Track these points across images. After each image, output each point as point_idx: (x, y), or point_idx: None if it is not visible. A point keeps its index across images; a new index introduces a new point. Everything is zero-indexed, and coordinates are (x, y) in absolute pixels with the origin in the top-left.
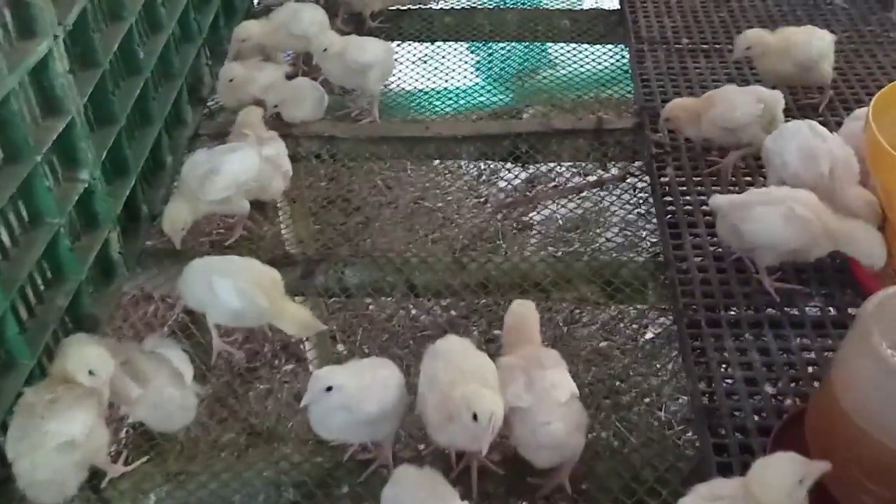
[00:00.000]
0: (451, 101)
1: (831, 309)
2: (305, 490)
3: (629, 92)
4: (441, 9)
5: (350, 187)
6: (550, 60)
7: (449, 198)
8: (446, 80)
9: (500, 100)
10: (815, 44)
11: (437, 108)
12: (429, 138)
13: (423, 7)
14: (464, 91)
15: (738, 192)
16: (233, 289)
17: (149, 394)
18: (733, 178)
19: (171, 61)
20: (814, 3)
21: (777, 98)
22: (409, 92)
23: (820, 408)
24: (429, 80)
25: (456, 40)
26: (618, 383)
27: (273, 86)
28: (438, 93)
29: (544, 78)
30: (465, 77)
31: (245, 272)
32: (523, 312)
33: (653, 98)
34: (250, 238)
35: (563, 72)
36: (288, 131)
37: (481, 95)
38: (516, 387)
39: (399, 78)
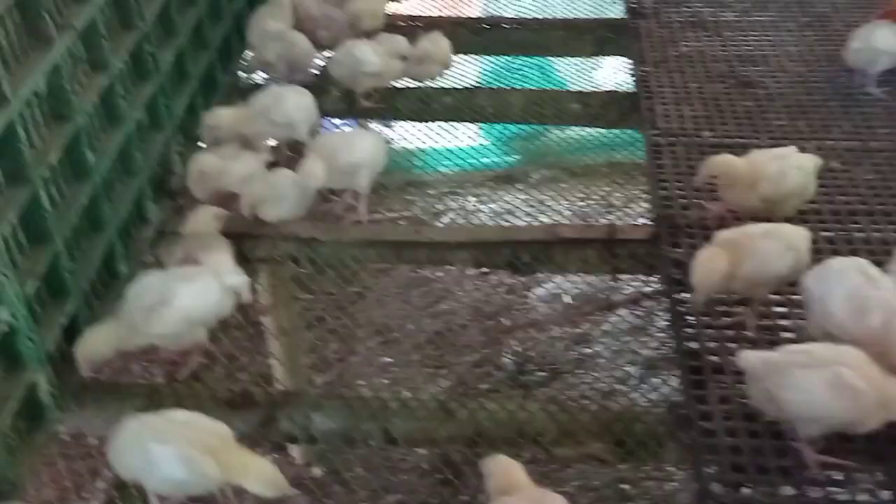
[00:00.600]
0: (454, 162)
1: (886, 492)
2: None
3: (641, 155)
4: (441, 88)
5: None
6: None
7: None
8: (449, 140)
9: (506, 161)
10: (788, 174)
11: (439, 169)
12: (420, 243)
13: (421, 86)
14: (468, 151)
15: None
16: (175, 456)
17: None
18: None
19: (132, 155)
20: (849, 92)
21: None
22: (409, 151)
23: None
24: (431, 138)
25: (455, 121)
26: None
27: (250, 179)
28: (440, 153)
29: (552, 139)
30: (469, 137)
31: (189, 433)
32: (503, 465)
33: (671, 204)
34: (209, 366)
35: (571, 133)
36: (262, 231)
37: (486, 156)
38: None
39: (400, 135)
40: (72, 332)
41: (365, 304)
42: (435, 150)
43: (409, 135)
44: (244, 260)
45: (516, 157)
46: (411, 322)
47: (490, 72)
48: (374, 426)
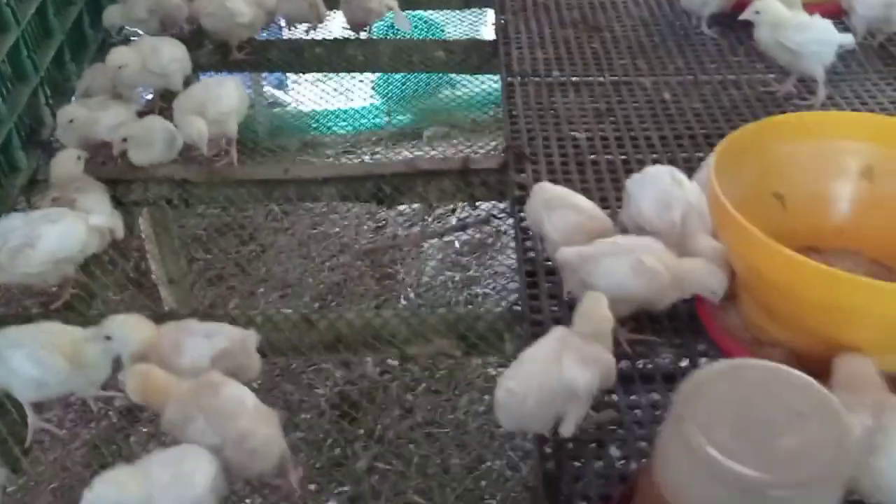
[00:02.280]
0: (348, 123)
1: (686, 360)
2: None
3: None
4: (312, 39)
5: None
6: (450, 80)
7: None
8: (345, 101)
9: (399, 120)
10: None
11: (335, 130)
12: (288, 181)
13: (292, 38)
14: (362, 112)
15: None
16: (26, 357)
17: None
18: None
19: None
20: (684, 33)
21: None
22: (305, 112)
23: (644, 488)
24: (326, 100)
25: (327, 71)
26: None
27: (121, 125)
28: (335, 114)
29: (443, 98)
30: (363, 97)
31: (41, 336)
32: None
33: (519, 135)
34: (82, 296)
35: (462, 92)
36: (135, 175)
37: (378, 117)
38: None
39: (295, 98)
40: None
41: (265, 260)
42: (330, 111)
43: (305, 98)
44: (118, 203)
45: (409, 115)
46: (310, 276)
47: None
48: None
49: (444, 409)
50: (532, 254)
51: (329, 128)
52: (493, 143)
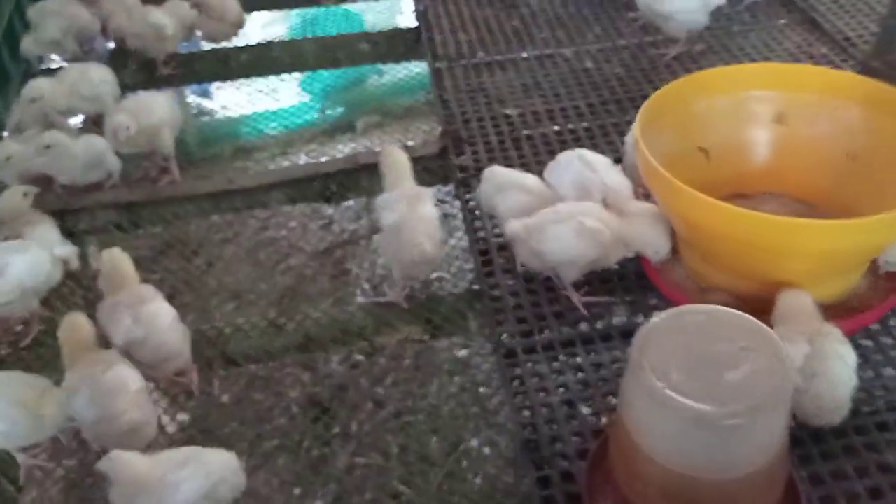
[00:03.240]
0: (279, 123)
1: (640, 316)
2: None
3: None
4: (236, 47)
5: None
6: (375, 68)
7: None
8: (273, 101)
9: (331, 115)
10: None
11: (266, 132)
12: (234, 191)
13: (217, 47)
14: (291, 111)
15: None
16: None
17: None
18: None
19: None
20: (599, 1)
21: None
22: (233, 118)
23: (616, 437)
24: (253, 103)
25: (255, 76)
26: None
27: (56, 154)
28: (265, 116)
29: (372, 86)
30: (291, 95)
31: (3, 389)
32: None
33: (454, 119)
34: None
35: (389, 78)
36: (81, 204)
37: (309, 113)
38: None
39: (223, 105)
40: None
41: (214, 273)
42: (258, 113)
43: (231, 103)
44: (69, 234)
45: (339, 109)
46: (262, 282)
47: (298, 26)
48: (214, 352)
49: (415, 396)
50: (482, 233)
51: (260, 130)
52: (427, 128)
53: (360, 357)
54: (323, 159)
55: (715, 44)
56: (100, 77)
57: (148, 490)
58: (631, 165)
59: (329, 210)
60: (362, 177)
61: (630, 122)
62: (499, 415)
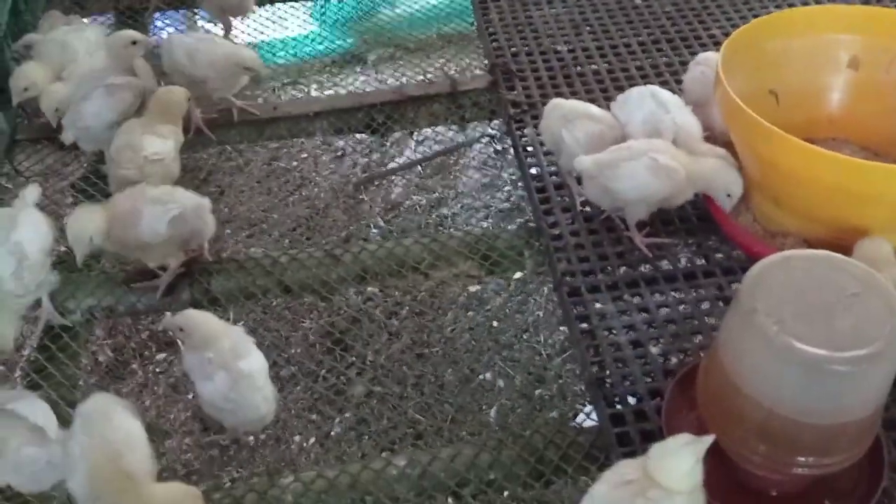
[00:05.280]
0: (288, 52)
1: (701, 259)
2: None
3: (471, 24)
4: None
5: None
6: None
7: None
8: (282, 30)
9: (341, 45)
10: None
11: (275, 61)
12: (278, 118)
13: None
14: (301, 40)
15: None
16: None
17: (7, 457)
18: None
19: None
20: None
21: None
22: (241, 45)
23: (709, 373)
24: (261, 31)
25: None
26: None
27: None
28: (273, 45)
29: (383, 18)
30: (300, 24)
31: None
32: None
33: (503, 52)
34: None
35: (401, 10)
36: None
37: (320, 43)
38: None
39: (233, 34)
40: None
41: (226, 201)
42: (267, 42)
43: (239, 31)
44: None
45: (350, 39)
46: (275, 211)
47: None
48: (270, 281)
49: (430, 329)
50: (536, 170)
51: (268, 59)
52: (441, 62)
53: (373, 289)
54: (368, 90)
55: None
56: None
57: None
58: (694, 106)
59: (340, 143)
60: (409, 109)
61: (682, 63)
62: (512, 349)
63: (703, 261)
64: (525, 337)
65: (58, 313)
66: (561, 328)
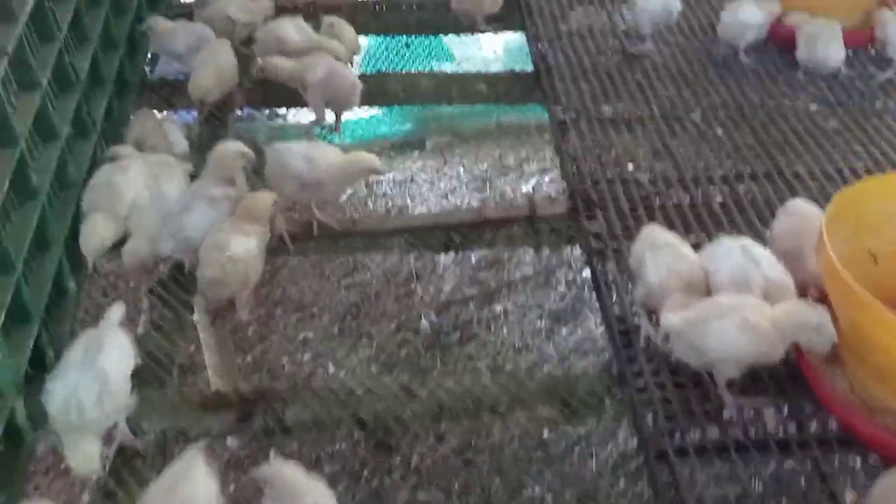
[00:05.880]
0: (349, 133)
1: (793, 425)
2: None
3: (527, 113)
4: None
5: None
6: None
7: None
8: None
9: (399, 130)
10: None
11: (337, 141)
12: (356, 232)
13: None
14: (362, 123)
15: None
16: None
17: None
18: None
19: (67, 169)
20: (723, 61)
21: None
22: (303, 123)
23: None
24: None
25: (370, 105)
26: None
27: None
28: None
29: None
30: (361, 108)
31: None
32: None
33: (583, 178)
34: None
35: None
36: None
37: (379, 126)
38: None
39: (293, 113)
40: (35, 358)
41: (279, 281)
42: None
43: (302, 110)
44: None
45: (409, 124)
46: (327, 296)
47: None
48: (344, 413)
49: (477, 433)
50: (617, 308)
51: (329, 140)
52: (497, 152)
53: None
54: (447, 208)
55: (850, 121)
56: None
57: None
58: (780, 254)
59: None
60: (486, 230)
61: (768, 201)
62: (564, 462)
63: (796, 429)
64: (577, 450)
65: (132, 433)
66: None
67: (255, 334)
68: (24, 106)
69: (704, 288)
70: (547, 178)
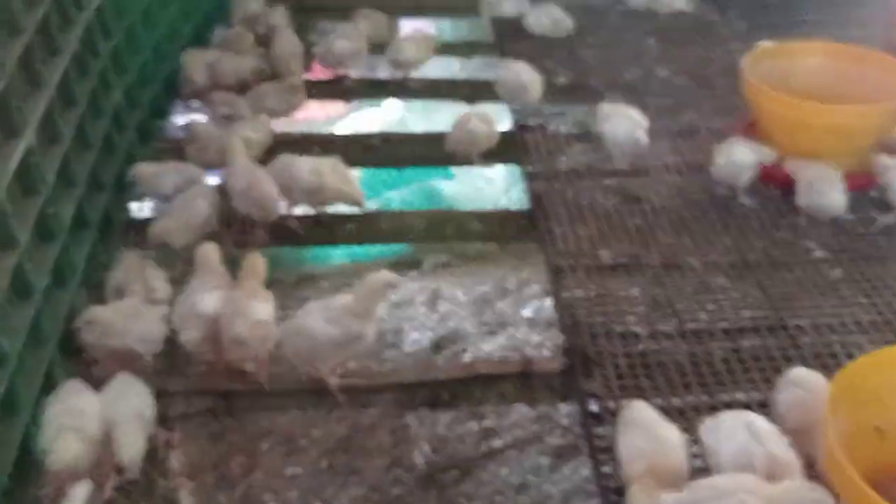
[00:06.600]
0: (344, 252)
1: None
2: None
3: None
4: (343, 214)
5: None
6: (447, 205)
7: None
8: None
9: (396, 249)
10: None
11: (332, 260)
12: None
13: (323, 213)
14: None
15: None
16: None
17: None
18: None
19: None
20: (725, 204)
21: None
22: (298, 246)
23: None
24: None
25: (356, 244)
26: None
27: None
28: (331, 245)
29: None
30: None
31: None
32: None
33: (578, 331)
34: None
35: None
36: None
37: (376, 245)
38: None
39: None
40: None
41: (266, 412)
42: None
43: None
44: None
45: (407, 243)
46: (316, 428)
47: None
48: None
49: None
50: (612, 481)
51: (325, 259)
52: (500, 273)
53: None
54: (438, 363)
55: (852, 269)
56: None
57: None
58: (786, 429)
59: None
60: (476, 387)
61: (770, 356)
62: None
63: None
64: None
65: None
66: None
67: (240, 468)
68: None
69: (681, 472)
70: (547, 303)
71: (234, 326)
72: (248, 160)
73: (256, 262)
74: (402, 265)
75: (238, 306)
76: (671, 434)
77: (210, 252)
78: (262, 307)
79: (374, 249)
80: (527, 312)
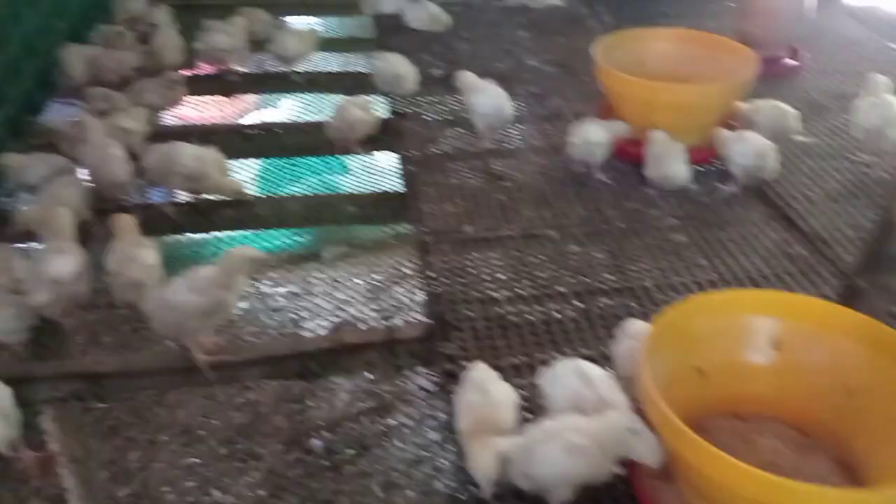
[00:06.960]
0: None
1: None
2: None
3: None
4: (221, 201)
5: None
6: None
7: None
8: None
9: (295, 241)
10: None
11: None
12: (210, 365)
13: (200, 199)
14: (260, 235)
15: None
16: None
17: None
18: None
19: None
20: (581, 180)
21: None
22: (195, 239)
23: None
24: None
25: (239, 230)
26: None
27: None
28: (231, 238)
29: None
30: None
31: None
32: None
33: (440, 300)
34: None
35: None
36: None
37: (277, 238)
38: None
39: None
40: None
41: (165, 405)
42: (219, 237)
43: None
44: (25, 404)
45: (307, 236)
46: (215, 417)
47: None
48: None
49: None
50: None
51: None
52: (393, 260)
53: None
54: (305, 334)
55: (695, 234)
56: None
57: None
58: (622, 377)
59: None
60: (344, 356)
61: (617, 315)
62: None
63: None
64: None
65: None
66: None
67: (138, 462)
68: None
69: (507, 424)
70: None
71: (128, 271)
72: (103, 137)
73: (126, 219)
74: (302, 257)
75: (127, 253)
76: (501, 389)
77: (62, 216)
78: (150, 253)
79: (275, 242)
80: (400, 290)
